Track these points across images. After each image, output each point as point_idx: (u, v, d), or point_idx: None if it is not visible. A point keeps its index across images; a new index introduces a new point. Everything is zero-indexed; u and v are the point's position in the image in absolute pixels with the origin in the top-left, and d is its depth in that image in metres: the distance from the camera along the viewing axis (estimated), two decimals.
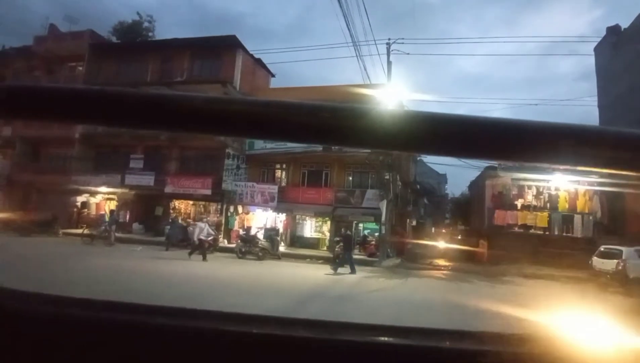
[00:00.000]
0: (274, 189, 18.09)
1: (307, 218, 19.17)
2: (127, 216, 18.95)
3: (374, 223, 18.62)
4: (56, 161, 21.24)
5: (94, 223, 15.10)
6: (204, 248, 12.17)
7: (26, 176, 20.67)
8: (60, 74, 21.80)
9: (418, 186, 27.74)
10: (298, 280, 9.68)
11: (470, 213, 23.80)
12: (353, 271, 11.05)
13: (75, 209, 19.73)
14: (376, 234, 17.66)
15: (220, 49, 19.68)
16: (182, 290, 7.33)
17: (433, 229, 36.05)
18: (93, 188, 19.63)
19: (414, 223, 27.19)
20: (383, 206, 15.21)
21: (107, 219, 15.03)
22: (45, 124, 20.92)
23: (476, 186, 20.50)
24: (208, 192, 17.62)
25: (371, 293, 8.45)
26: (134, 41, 23.96)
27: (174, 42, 21.27)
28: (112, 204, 20.60)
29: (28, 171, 20.91)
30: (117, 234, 14.81)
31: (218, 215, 18.06)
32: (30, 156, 21.77)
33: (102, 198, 20.52)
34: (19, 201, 20.77)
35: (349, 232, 14.10)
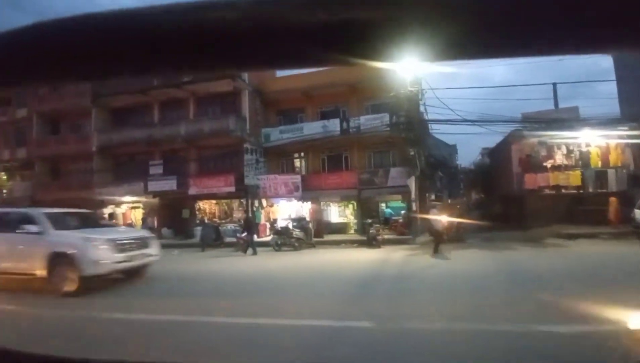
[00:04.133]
0: (297, 178, 17.99)
1: (332, 203, 19.12)
2: (155, 222, 19.07)
3: (399, 202, 18.53)
4: (77, 176, 21.36)
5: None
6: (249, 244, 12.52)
7: (49, 194, 20.87)
8: None
9: (432, 159, 27.41)
10: (348, 264, 9.64)
11: (492, 180, 23.47)
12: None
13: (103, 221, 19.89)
14: (402, 212, 17.57)
15: None
16: (266, 283, 7.49)
17: (449, 201, 35.86)
18: (118, 198, 19.77)
19: (433, 196, 27.00)
20: (412, 183, 15.02)
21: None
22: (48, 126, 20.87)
23: (498, 152, 20.08)
24: (232, 189, 17.58)
25: (428, 269, 8.38)
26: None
27: None
28: (139, 213, 20.79)
29: (50, 189, 21.10)
30: None
31: (244, 211, 18.08)
32: (50, 174, 21.92)
33: (127, 207, 20.69)
34: None
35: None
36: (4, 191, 23.26)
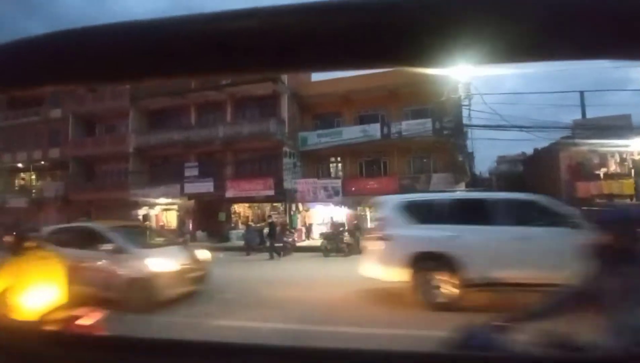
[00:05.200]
0: (337, 183, 17.71)
1: (370, 209, 18.77)
2: (190, 225, 18.85)
3: None
4: (111, 177, 21.31)
5: (174, 233, 14.97)
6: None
7: (83, 195, 20.81)
8: None
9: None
10: None
11: (527, 188, 22.90)
12: None
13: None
14: None
15: None
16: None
17: None
18: (152, 200, 19.63)
19: None
20: (461, 188, 14.66)
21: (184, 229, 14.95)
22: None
23: (538, 159, 19.66)
24: (271, 193, 17.33)
25: None
26: None
27: None
28: (171, 215, 20.61)
29: (84, 190, 21.04)
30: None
31: (282, 215, 17.79)
32: (84, 175, 21.87)
33: (160, 209, 20.53)
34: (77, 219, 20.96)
35: None
36: (33, 191, 23.27)
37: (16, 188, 24.00)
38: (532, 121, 22.58)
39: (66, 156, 21.47)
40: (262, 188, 17.50)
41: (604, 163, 15.28)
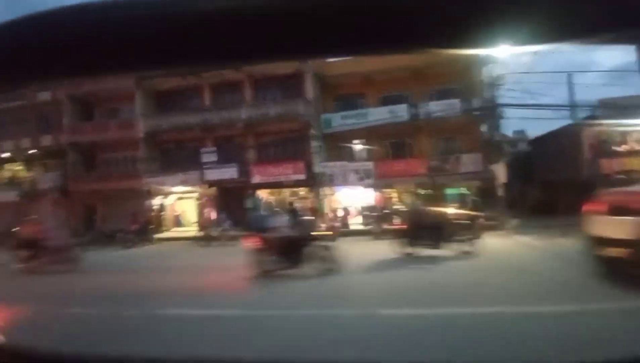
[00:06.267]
0: (368, 166, 17.38)
1: (399, 192, 18.69)
2: (213, 214, 17.90)
3: (462, 189, 18.34)
4: (116, 164, 19.68)
5: (208, 223, 14.08)
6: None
7: (85, 185, 19.14)
8: None
9: None
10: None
11: (540, 167, 23.27)
12: None
13: (153, 213, 18.39)
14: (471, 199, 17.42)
15: None
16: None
17: None
18: (167, 188, 18.41)
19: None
20: (499, 169, 14.86)
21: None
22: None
23: (557, 137, 20.12)
24: (302, 176, 16.75)
25: None
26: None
27: None
28: (186, 204, 19.51)
29: (86, 180, 19.34)
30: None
31: (312, 200, 17.33)
32: (84, 164, 20.02)
33: (175, 198, 19.35)
34: (85, 212, 19.34)
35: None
36: (24, 183, 21.09)
37: (4, 181, 21.66)
38: (557, 99, 23.03)
39: (62, 143, 19.50)
40: (291, 172, 16.86)
41: (625, 141, 16.02)
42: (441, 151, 18.39)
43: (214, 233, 13.46)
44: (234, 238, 13.31)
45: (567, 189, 18.16)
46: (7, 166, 21.98)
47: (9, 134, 20.60)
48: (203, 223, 14.83)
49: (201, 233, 13.80)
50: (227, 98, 18.49)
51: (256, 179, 17.18)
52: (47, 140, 20.46)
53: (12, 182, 21.40)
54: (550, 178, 20.43)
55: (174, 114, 18.17)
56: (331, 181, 17.42)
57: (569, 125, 18.14)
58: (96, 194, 18.86)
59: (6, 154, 21.11)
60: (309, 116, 17.09)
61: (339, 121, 18.40)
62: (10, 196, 20.29)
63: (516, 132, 30.71)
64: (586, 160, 16.71)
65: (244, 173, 17.27)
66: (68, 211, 19.24)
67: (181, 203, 19.62)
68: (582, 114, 16.78)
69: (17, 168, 21.91)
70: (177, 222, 19.43)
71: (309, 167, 16.80)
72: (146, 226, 15.51)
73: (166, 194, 18.80)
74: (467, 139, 17.69)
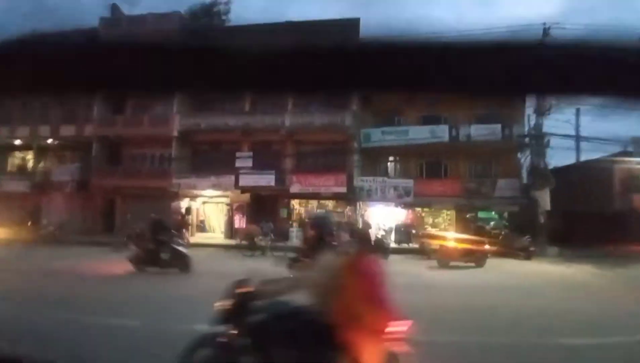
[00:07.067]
0: (409, 183, 17.24)
1: (432, 211, 18.58)
2: (244, 222, 17.20)
3: (491, 213, 18.40)
4: (143, 162, 18.80)
5: (253, 232, 13.37)
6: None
7: (108, 180, 18.10)
8: None
9: None
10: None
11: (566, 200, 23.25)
12: None
13: (180, 217, 17.46)
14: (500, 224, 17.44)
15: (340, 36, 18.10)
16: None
17: None
18: (196, 191, 17.64)
19: None
20: (544, 195, 15.00)
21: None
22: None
23: (584, 170, 20.48)
24: (343, 189, 16.40)
25: None
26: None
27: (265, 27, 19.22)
28: (214, 208, 18.75)
29: (110, 175, 18.31)
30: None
31: (350, 213, 16.94)
32: (108, 158, 19.01)
33: (201, 202, 18.54)
34: (105, 209, 18.24)
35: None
36: (36, 173, 19.78)
37: (13, 169, 20.29)
38: (592, 132, 23.54)
39: (88, 136, 18.52)
40: (333, 183, 16.50)
41: None
42: (478, 174, 18.54)
43: (263, 242, 12.79)
44: (279, 249, 12.69)
45: (599, 221, 18.54)
46: (19, 154, 20.68)
47: (24, 121, 19.36)
48: (245, 232, 14.09)
49: (244, 242, 13.08)
50: (269, 103, 18.11)
51: (295, 188, 16.71)
52: (68, 130, 19.39)
53: (23, 171, 20.10)
54: (588, 209, 20.61)
55: (213, 115, 17.60)
56: (369, 196, 17.16)
57: (595, 160, 18.55)
58: (117, 191, 17.89)
59: (17, 141, 19.81)
60: (353, 128, 16.92)
61: (379, 136, 18.30)
62: (21, 186, 19.00)
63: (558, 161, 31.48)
64: (618, 194, 17.13)
65: (281, 181, 16.78)
66: (85, 207, 18.13)
67: (207, 208, 18.83)
68: (615, 148, 17.29)
69: (29, 156, 20.60)
70: (202, 228, 18.57)
71: (350, 180, 16.51)
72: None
73: (194, 197, 18.00)
74: (505, 164, 17.89)
